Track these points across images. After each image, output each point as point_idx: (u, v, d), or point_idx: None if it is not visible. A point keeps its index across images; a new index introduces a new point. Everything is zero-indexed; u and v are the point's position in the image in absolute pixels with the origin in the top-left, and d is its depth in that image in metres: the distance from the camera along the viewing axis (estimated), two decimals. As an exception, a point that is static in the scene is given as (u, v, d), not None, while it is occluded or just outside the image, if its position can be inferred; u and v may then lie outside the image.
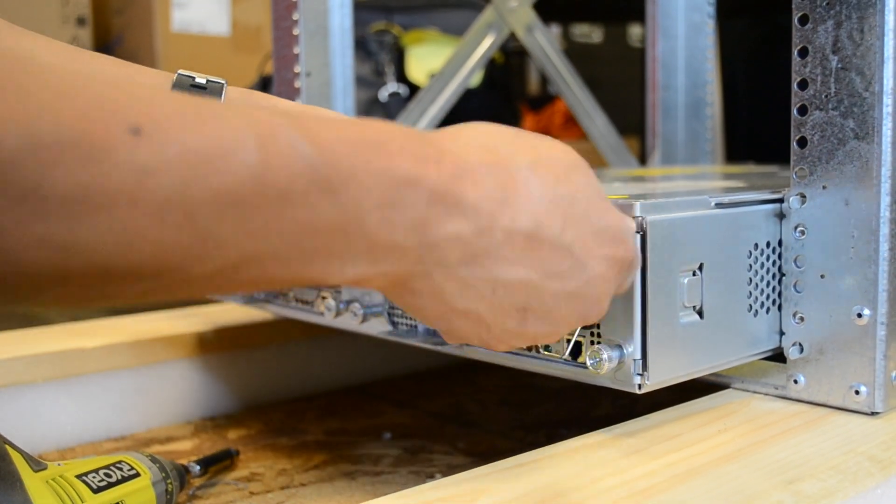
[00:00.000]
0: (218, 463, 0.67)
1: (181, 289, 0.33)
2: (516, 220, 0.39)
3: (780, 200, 0.57)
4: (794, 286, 0.57)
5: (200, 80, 0.55)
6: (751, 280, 0.56)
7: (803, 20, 0.55)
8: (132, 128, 0.29)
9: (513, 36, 1.16)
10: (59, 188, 0.27)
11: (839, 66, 0.53)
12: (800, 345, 0.57)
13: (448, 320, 0.40)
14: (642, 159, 1.40)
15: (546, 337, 0.42)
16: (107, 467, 0.53)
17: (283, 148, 0.32)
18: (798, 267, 0.57)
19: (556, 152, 0.42)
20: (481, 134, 0.41)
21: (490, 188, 0.38)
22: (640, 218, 0.49)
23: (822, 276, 0.55)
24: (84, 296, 0.31)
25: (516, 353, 0.57)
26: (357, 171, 0.34)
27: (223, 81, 0.56)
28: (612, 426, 0.53)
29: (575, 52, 2.31)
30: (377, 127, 0.37)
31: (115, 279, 0.31)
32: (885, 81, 0.52)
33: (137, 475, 0.54)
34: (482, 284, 0.39)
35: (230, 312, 0.89)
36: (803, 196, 0.56)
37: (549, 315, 0.41)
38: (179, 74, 0.55)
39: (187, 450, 0.75)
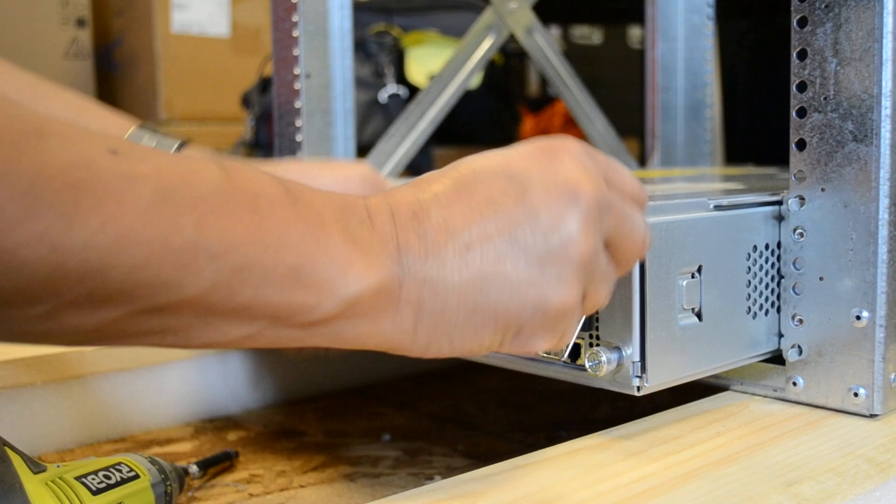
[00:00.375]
0: (217, 464, 0.67)
1: (179, 314, 0.33)
2: (434, 188, 0.40)
3: (779, 202, 0.57)
4: (793, 288, 0.57)
5: (150, 142, 0.56)
6: (749, 282, 0.56)
7: (802, 22, 0.55)
8: (108, 148, 0.31)
9: (512, 37, 1.16)
10: (51, 187, 0.29)
11: (838, 68, 0.53)
12: (799, 347, 0.57)
13: (476, 305, 0.39)
14: (642, 161, 1.40)
15: (551, 232, 0.39)
16: (106, 469, 0.53)
17: (242, 172, 0.35)
18: (797, 269, 0.57)
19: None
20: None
21: (403, 188, 0.41)
22: (638, 220, 0.49)
23: (820, 279, 0.55)
24: (77, 320, 0.32)
25: (515, 356, 0.57)
26: (306, 193, 0.37)
27: (177, 143, 0.57)
28: (611, 428, 0.53)
29: (574, 54, 2.31)
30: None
31: (111, 291, 0.31)
32: (883, 84, 0.52)
33: (137, 477, 0.54)
34: (456, 249, 0.39)
35: (230, 314, 0.88)
36: (802, 198, 0.56)
37: (533, 224, 0.39)
38: (136, 129, 0.57)
39: (187, 451, 0.75)
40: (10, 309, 0.30)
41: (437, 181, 0.41)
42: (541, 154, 0.41)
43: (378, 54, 1.59)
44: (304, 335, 0.37)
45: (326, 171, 0.60)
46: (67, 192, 0.29)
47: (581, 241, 0.40)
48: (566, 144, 0.42)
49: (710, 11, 1.25)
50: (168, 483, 0.57)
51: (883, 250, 0.53)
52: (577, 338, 0.52)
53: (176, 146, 0.57)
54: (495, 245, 0.39)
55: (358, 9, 1.15)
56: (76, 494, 0.50)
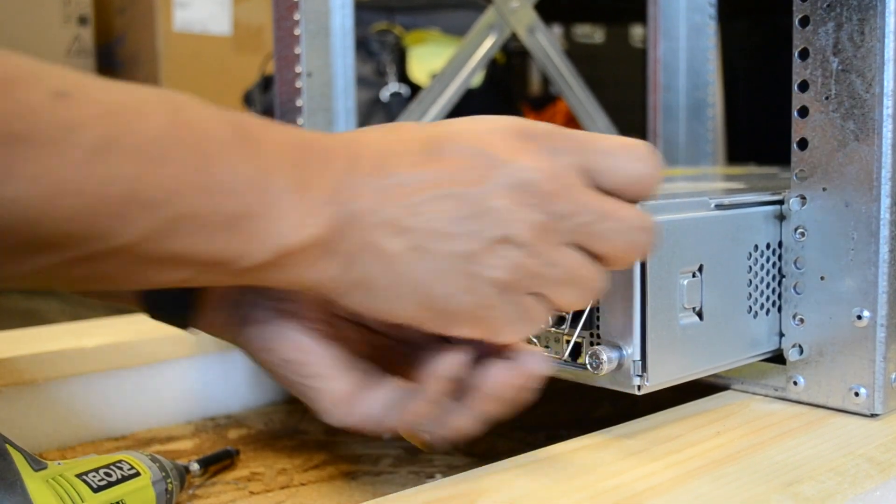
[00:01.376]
0: (218, 462, 0.67)
1: (112, 261, 0.33)
2: (406, 142, 0.40)
3: (781, 202, 0.57)
4: (794, 288, 0.57)
5: None
6: (751, 282, 0.56)
7: (804, 22, 0.55)
8: (55, 91, 0.30)
9: (514, 36, 1.16)
10: None
11: (839, 67, 0.53)
12: (799, 346, 0.57)
13: (401, 277, 0.39)
14: (643, 160, 1.40)
15: (508, 241, 0.39)
16: (107, 467, 0.53)
17: (193, 112, 0.34)
18: (798, 268, 0.57)
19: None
20: None
21: (374, 132, 0.41)
22: (640, 219, 0.49)
23: (821, 278, 0.55)
24: (10, 267, 0.31)
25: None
26: (261, 134, 0.36)
27: None
28: (612, 427, 0.53)
29: (576, 53, 2.31)
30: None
31: (43, 241, 0.31)
32: (885, 83, 0.52)
33: (137, 474, 0.54)
34: (405, 214, 0.38)
35: (231, 312, 0.89)
36: (803, 198, 0.56)
37: (483, 211, 0.39)
38: None
39: (187, 449, 0.75)
40: None
41: (410, 139, 0.40)
42: (517, 142, 0.40)
43: (380, 53, 1.59)
44: (235, 280, 0.37)
45: None
46: (3, 144, 0.28)
47: (523, 253, 0.40)
48: (549, 134, 0.41)
49: (712, 11, 1.25)
50: (169, 481, 0.57)
51: (884, 250, 0.53)
52: (579, 336, 0.52)
53: None
54: (441, 219, 0.38)
55: (360, 7, 1.15)
56: (77, 492, 0.50)
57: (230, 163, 0.34)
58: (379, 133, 0.41)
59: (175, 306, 0.46)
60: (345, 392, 0.44)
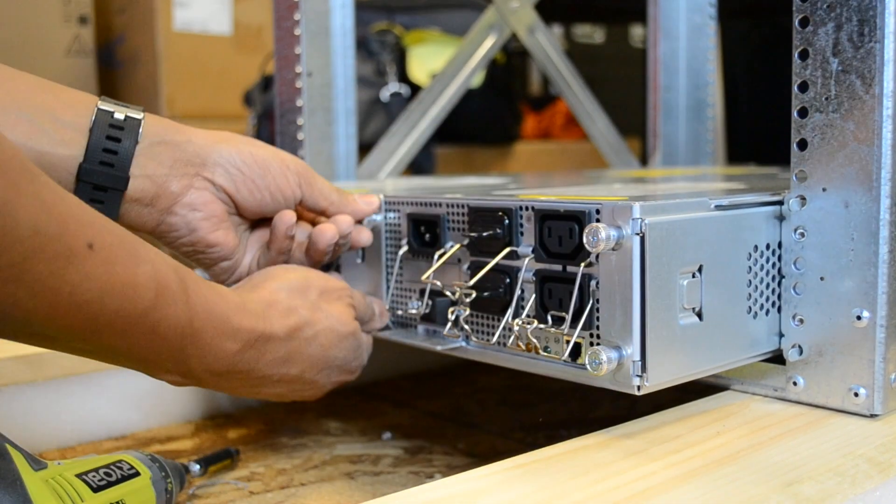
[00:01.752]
0: (218, 462, 0.67)
1: (84, 347, 0.46)
2: (290, 370, 0.58)
3: (780, 202, 0.57)
4: (794, 288, 0.57)
5: (119, 115, 0.58)
6: (750, 282, 0.56)
7: (804, 23, 0.55)
8: (88, 243, 0.41)
9: (514, 36, 1.17)
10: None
11: (839, 68, 0.53)
12: (799, 347, 0.57)
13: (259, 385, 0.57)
14: (643, 160, 1.40)
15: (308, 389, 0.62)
16: (107, 466, 0.53)
17: (169, 299, 0.46)
18: (798, 269, 0.57)
19: (335, 324, 0.60)
20: (284, 301, 0.58)
21: (279, 356, 0.57)
22: (639, 220, 0.49)
23: (821, 279, 0.55)
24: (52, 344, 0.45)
25: (516, 354, 0.57)
26: (201, 337, 0.50)
27: (141, 117, 0.59)
28: (612, 427, 0.53)
29: (576, 53, 2.31)
30: (227, 301, 0.52)
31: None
32: (885, 84, 0.52)
33: (137, 474, 0.54)
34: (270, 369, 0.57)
35: (231, 312, 0.88)
36: (803, 198, 0.56)
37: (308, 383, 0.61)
38: (100, 109, 0.57)
39: (187, 449, 0.75)
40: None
41: (279, 350, 0.57)
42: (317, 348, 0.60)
43: (380, 53, 1.59)
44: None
45: (274, 156, 0.65)
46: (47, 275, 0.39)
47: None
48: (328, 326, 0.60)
49: (712, 11, 1.25)
50: (168, 480, 0.57)
51: (884, 250, 0.53)
52: (578, 336, 0.52)
53: (141, 116, 0.59)
54: (283, 370, 0.58)
55: (360, 7, 1.15)
56: (76, 492, 0.50)
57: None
58: (282, 352, 0.57)
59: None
60: (235, 240, 0.64)
